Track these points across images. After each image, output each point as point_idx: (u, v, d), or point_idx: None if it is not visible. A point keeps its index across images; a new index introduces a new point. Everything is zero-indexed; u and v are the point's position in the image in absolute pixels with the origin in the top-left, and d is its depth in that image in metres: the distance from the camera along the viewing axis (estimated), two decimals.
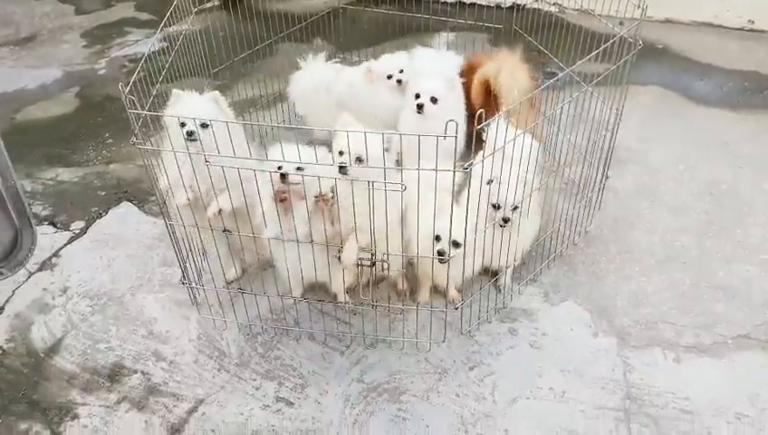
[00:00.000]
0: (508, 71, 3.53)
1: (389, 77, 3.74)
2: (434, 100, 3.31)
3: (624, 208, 3.72)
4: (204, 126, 2.70)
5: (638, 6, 2.98)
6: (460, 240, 2.64)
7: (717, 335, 3.00)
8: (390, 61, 3.81)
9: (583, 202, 3.44)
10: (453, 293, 3.14)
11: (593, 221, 3.56)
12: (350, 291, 3.13)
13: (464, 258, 2.71)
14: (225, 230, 2.86)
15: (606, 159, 3.31)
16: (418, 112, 3.32)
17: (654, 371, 2.85)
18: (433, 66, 3.69)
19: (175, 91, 2.91)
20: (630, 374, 2.84)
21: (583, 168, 3.48)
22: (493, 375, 2.86)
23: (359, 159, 2.53)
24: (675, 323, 3.06)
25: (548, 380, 2.84)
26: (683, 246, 3.48)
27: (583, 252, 3.47)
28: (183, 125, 2.70)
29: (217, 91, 3.02)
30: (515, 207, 2.82)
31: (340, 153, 2.59)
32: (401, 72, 3.73)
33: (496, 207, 2.82)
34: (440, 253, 2.69)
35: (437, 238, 2.70)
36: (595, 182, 3.43)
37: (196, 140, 2.67)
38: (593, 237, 3.54)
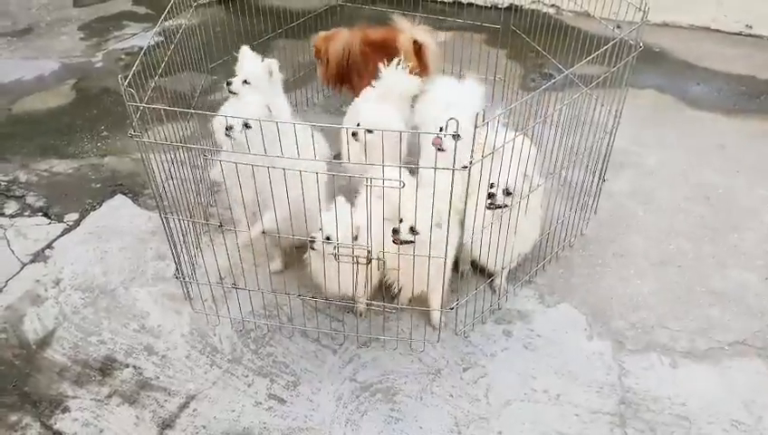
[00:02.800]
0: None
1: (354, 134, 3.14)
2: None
3: (620, 211, 3.72)
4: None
5: (639, 9, 2.98)
6: (419, 229, 2.59)
7: (713, 341, 3.00)
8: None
9: (580, 204, 3.44)
10: (434, 316, 3.03)
11: (589, 223, 3.56)
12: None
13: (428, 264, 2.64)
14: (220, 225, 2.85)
15: (603, 161, 3.31)
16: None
17: (650, 375, 2.85)
18: (458, 99, 3.39)
19: (243, 47, 3.50)
20: (626, 379, 2.84)
21: (580, 170, 3.47)
22: (487, 377, 2.85)
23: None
24: (670, 327, 3.06)
25: (543, 382, 2.83)
26: (678, 250, 3.48)
27: (579, 254, 3.46)
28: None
29: (275, 61, 3.49)
30: (509, 193, 2.74)
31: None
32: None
33: (490, 185, 2.73)
34: (395, 231, 2.61)
35: (400, 220, 2.64)
36: (592, 185, 3.43)
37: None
38: (589, 240, 3.54)
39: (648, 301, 3.20)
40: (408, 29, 4.02)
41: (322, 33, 4.15)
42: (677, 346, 2.98)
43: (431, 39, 4.04)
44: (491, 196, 2.75)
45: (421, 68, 3.98)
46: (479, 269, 3.24)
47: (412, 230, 2.62)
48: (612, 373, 2.87)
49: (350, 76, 4.12)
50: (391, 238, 2.64)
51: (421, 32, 4.03)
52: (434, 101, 3.50)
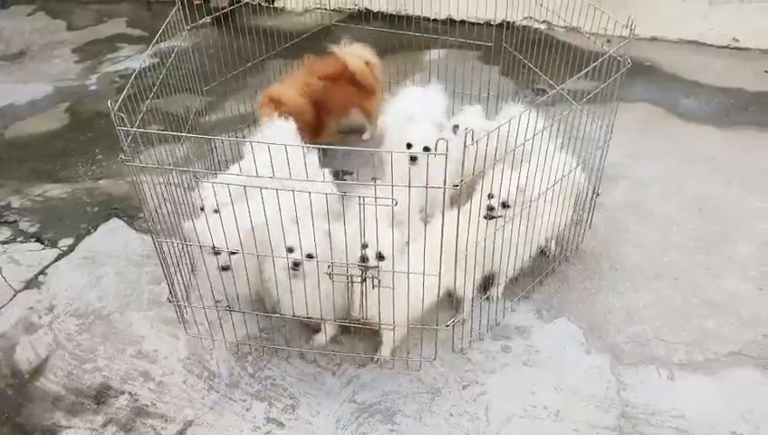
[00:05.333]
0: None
1: None
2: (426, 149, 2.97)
3: (614, 225, 3.74)
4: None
5: (626, 26, 3.02)
6: (385, 253, 2.56)
7: (710, 352, 3.00)
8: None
9: (575, 219, 3.45)
10: (385, 350, 2.95)
11: (585, 238, 3.57)
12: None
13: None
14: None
15: (597, 176, 3.33)
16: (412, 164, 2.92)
17: (648, 388, 2.84)
18: (421, 108, 3.42)
19: None
20: (624, 392, 2.83)
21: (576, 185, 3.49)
22: (486, 394, 2.84)
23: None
24: (667, 339, 3.06)
25: (542, 398, 2.82)
26: (673, 262, 3.49)
27: (575, 268, 3.47)
28: None
29: None
30: (506, 205, 2.80)
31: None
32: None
33: (490, 196, 2.81)
34: (363, 258, 2.57)
35: (364, 246, 2.59)
36: (586, 199, 3.45)
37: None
38: (585, 254, 3.55)
39: (644, 314, 3.21)
40: (353, 51, 4.13)
41: (273, 90, 3.89)
42: (674, 358, 2.98)
43: (374, 56, 4.22)
44: (490, 208, 2.81)
45: (375, 84, 4.26)
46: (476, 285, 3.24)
47: (380, 256, 2.58)
48: (611, 387, 2.86)
49: (318, 117, 3.96)
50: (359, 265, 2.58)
51: (365, 51, 4.17)
52: (398, 112, 3.54)
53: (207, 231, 2.62)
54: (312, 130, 3.93)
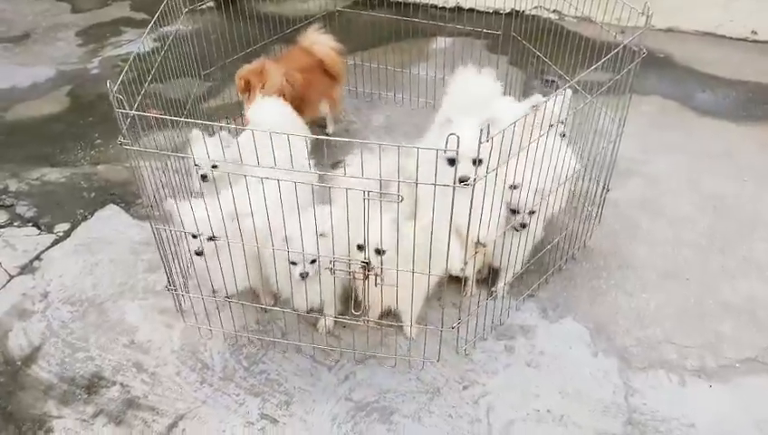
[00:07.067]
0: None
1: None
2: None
3: (624, 221, 3.61)
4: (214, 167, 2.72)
5: (642, 13, 2.88)
6: (385, 247, 2.49)
7: (724, 358, 2.88)
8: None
9: (583, 215, 3.33)
10: (407, 330, 2.96)
11: (593, 235, 3.45)
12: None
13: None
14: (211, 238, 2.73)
15: (607, 170, 3.21)
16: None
17: (658, 394, 2.74)
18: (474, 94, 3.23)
19: None
20: (632, 398, 2.72)
21: (583, 179, 3.38)
22: (488, 396, 2.74)
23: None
24: (678, 343, 2.95)
25: (546, 401, 2.72)
26: (686, 262, 3.37)
27: (582, 267, 3.35)
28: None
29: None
30: (532, 212, 2.78)
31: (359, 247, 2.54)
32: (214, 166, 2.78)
33: (514, 211, 2.77)
34: (365, 264, 2.52)
35: (359, 248, 2.53)
36: (595, 194, 3.33)
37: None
38: (593, 251, 3.43)
39: (655, 315, 3.09)
40: (318, 40, 4.01)
41: (248, 67, 3.76)
42: (686, 363, 2.87)
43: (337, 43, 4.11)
44: (523, 225, 2.78)
45: (343, 73, 4.19)
46: (480, 281, 3.14)
47: (378, 251, 2.51)
48: (618, 392, 2.75)
49: (295, 106, 3.72)
50: (361, 269, 2.54)
51: (329, 39, 4.05)
52: (459, 95, 3.37)
53: (189, 213, 2.55)
54: None
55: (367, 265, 2.54)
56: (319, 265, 2.59)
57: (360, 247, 2.52)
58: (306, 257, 2.54)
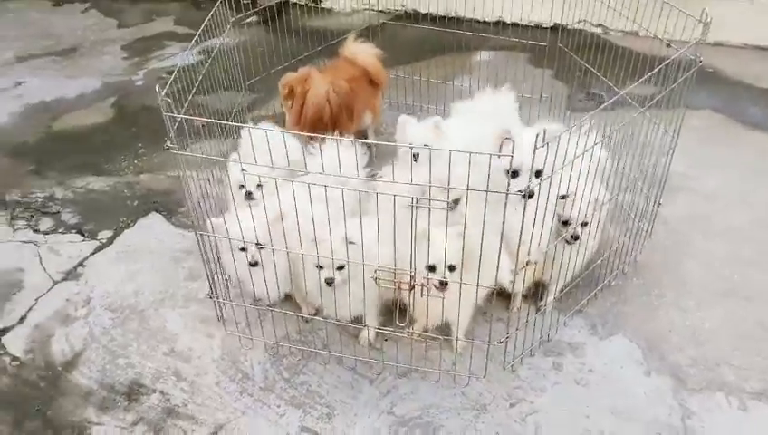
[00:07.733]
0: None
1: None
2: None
3: (676, 237, 3.48)
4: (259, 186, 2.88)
5: (700, 21, 2.78)
6: (455, 262, 2.44)
7: None
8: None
9: (633, 230, 3.22)
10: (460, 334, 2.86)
11: (643, 250, 3.33)
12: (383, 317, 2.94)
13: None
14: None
15: (659, 184, 3.10)
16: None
17: (716, 418, 2.59)
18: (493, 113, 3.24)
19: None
20: (690, 420, 2.58)
21: (633, 194, 3.27)
22: (536, 414, 2.63)
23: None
24: (738, 365, 2.79)
25: (596, 422, 2.59)
26: (743, 280, 3.21)
27: (633, 283, 3.23)
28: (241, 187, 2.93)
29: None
30: (585, 223, 2.71)
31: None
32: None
33: (566, 223, 2.71)
34: (442, 283, 2.46)
35: (432, 269, 2.47)
36: (646, 209, 3.21)
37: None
38: (643, 267, 3.30)
39: (711, 335, 2.94)
40: (360, 50, 3.96)
41: (293, 74, 3.74)
42: (747, 386, 2.71)
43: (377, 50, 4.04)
44: (575, 237, 2.72)
45: (385, 80, 4.14)
46: (527, 297, 3.05)
47: (451, 268, 2.45)
48: (674, 414, 2.61)
49: (337, 118, 3.73)
50: (434, 286, 2.47)
51: (370, 47, 4.00)
52: (471, 113, 3.35)
53: (235, 225, 2.54)
54: (314, 130, 3.60)
55: (443, 284, 2.47)
56: (348, 273, 2.56)
57: (433, 269, 2.46)
58: (336, 263, 2.51)
